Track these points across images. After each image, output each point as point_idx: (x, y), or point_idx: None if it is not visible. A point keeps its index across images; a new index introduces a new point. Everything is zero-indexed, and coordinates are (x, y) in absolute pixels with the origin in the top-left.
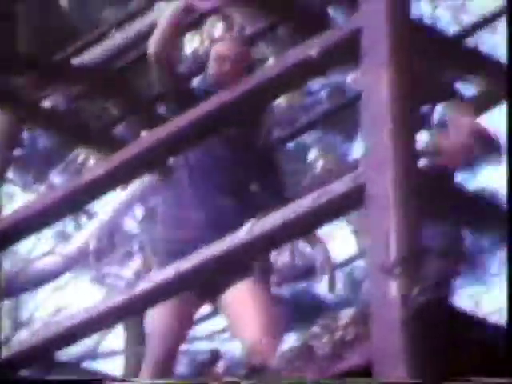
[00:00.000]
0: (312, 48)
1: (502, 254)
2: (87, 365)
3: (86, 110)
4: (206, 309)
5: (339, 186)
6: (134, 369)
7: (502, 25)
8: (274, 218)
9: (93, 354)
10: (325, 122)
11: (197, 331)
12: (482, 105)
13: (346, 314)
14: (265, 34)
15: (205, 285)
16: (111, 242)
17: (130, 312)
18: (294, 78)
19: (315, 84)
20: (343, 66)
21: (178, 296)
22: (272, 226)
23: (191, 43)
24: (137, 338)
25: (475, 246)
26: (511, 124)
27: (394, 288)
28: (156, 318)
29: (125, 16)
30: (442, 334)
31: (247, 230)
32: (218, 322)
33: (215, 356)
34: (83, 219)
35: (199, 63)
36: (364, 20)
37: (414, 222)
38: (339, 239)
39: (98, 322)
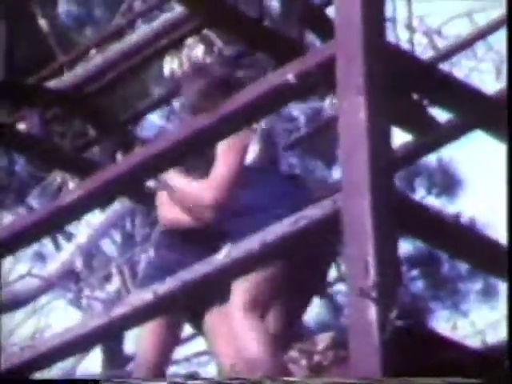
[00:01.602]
0: (288, 73)
1: (479, 282)
2: None
3: (61, 133)
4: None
5: (316, 211)
6: None
7: (480, 50)
8: (252, 242)
9: (70, 377)
10: (303, 147)
11: (174, 354)
12: (454, 132)
13: (324, 338)
14: (244, 57)
15: (187, 308)
16: (89, 264)
17: (107, 335)
18: (272, 102)
19: (295, 110)
20: (320, 91)
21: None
22: (249, 250)
23: (170, 64)
24: (114, 362)
25: (453, 272)
26: (511, 124)
27: (372, 312)
28: (142, 337)
29: (103, 37)
30: (419, 358)
31: (225, 254)
32: (197, 345)
33: (192, 379)
34: (61, 241)
35: (177, 85)
36: (339, 46)
37: (391, 247)
38: None
39: (75, 345)
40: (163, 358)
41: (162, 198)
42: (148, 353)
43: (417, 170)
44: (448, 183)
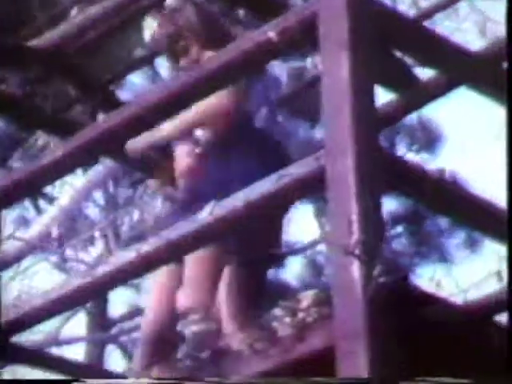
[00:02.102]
0: (270, 30)
1: (460, 236)
2: (49, 351)
3: (43, 94)
4: None
5: (300, 168)
6: (96, 355)
7: (463, 10)
8: (236, 200)
9: (54, 341)
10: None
11: None
12: (439, 89)
13: (308, 296)
14: (225, 14)
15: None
16: (73, 227)
17: (91, 295)
18: (254, 59)
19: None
20: (303, 48)
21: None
22: (233, 208)
23: (151, 25)
24: (99, 324)
25: (434, 227)
26: (511, 125)
27: (355, 269)
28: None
29: None
30: (403, 314)
31: (209, 212)
32: None
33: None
34: (43, 204)
35: (156, 50)
36: (322, 3)
37: (375, 204)
38: (302, 223)
39: (59, 305)
40: (169, 316)
41: (182, 149)
42: (153, 310)
43: (397, 127)
44: (428, 139)
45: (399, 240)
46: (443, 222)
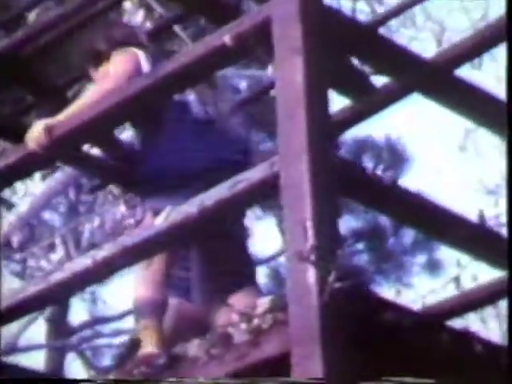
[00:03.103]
0: (225, 35)
1: (422, 256)
2: (6, 359)
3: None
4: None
5: (255, 173)
6: (55, 362)
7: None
8: (191, 205)
9: (12, 348)
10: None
11: (122, 324)
12: (393, 96)
13: (264, 302)
14: (183, 20)
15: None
16: (32, 233)
17: (47, 302)
18: (209, 64)
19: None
20: (257, 54)
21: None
22: (188, 214)
23: None
24: (58, 331)
25: (397, 246)
26: (511, 126)
27: (311, 275)
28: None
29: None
30: (358, 319)
31: (164, 217)
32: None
33: (134, 344)
34: (2, 210)
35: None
36: (275, 8)
37: (330, 210)
38: (264, 235)
39: (15, 311)
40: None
41: None
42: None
43: (364, 146)
44: (395, 159)
45: (360, 256)
46: (406, 240)
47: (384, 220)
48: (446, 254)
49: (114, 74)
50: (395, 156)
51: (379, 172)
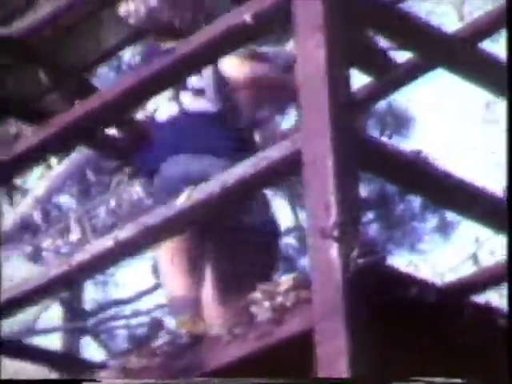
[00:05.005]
0: (245, 13)
1: (433, 220)
2: (24, 341)
3: (15, 81)
4: (147, 283)
5: (277, 152)
6: (71, 345)
7: None
8: (213, 185)
9: (30, 331)
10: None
11: (137, 305)
12: (414, 72)
13: (287, 280)
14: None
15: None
16: (47, 217)
17: (68, 283)
18: (229, 42)
19: None
20: (278, 31)
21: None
22: (211, 192)
23: (126, 7)
24: (74, 315)
25: (407, 212)
26: (511, 125)
27: (334, 251)
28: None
29: None
30: (381, 295)
31: (186, 197)
32: (159, 297)
33: (157, 324)
34: (17, 196)
35: (134, 30)
36: None
37: (352, 186)
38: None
39: (36, 295)
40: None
41: None
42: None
43: (368, 114)
44: (399, 124)
45: (371, 226)
46: (415, 206)
47: (390, 187)
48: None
49: None
50: (399, 120)
51: (385, 138)
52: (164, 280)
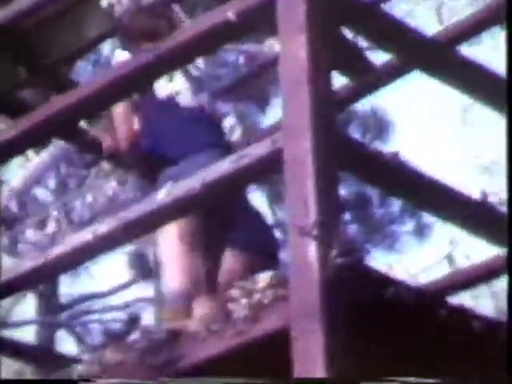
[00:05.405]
0: (229, 11)
1: (411, 223)
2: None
3: None
4: (123, 278)
5: (258, 150)
6: (45, 338)
7: None
8: (193, 181)
9: (3, 323)
10: (237, 91)
11: (112, 300)
12: (392, 74)
13: (265, 277)
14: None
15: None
16: (23, 210)
17: (44, 276)
18: (212, 40)
19: (231, 54)
20: (261, 30)
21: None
22: (190, 189)
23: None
24: (49, 307)
25: (385, 215)
26: (511, 124)
27: (312, 250)
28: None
29: None
30: (359, 295)
31: (165, 193)
32: (135, 292)
33: (134, 319)
34: None
35: (115, 21)
36: None
37: (332, 186)
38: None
39: (11, 287)
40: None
41: None
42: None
43: (350, 117)
44: (381, 127)
45: (350, 227)
46: (394, 209)
47: (370, 190)
48: (440, 230)
49: None
50: (382, 125)
51: (367, 141)
52: (167, 262)
